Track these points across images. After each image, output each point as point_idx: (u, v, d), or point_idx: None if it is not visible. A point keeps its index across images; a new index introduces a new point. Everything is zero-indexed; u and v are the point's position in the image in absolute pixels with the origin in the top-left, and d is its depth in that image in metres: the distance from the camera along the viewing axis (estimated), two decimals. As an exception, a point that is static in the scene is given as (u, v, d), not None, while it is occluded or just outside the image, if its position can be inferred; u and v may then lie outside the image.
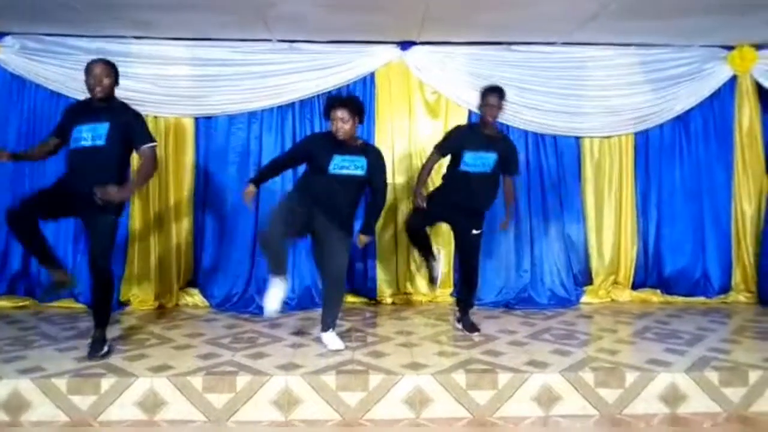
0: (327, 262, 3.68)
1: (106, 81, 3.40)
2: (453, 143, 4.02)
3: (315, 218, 3.56)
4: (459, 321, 4.20)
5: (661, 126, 5.21)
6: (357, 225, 3.79)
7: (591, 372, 3.25)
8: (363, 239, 3.82)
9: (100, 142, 3.38)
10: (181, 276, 5.03)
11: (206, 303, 4.97)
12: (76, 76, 4.74)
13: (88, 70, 3.40)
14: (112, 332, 4.05)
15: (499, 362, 3.43)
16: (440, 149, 4.08)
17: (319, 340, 3.82)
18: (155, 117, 4.94)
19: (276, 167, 3.84)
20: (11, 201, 4.41)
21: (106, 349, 3.51)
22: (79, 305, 4.78)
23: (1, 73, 4.85)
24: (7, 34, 4.78)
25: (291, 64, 4.93)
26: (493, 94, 3.90)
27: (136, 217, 4.92)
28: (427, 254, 4.20)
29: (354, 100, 3.66)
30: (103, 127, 3.39)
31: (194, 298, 5.02)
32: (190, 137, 5.02)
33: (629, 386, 3.20)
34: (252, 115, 5.01)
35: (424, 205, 3.97)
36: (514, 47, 5.04)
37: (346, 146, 3.59)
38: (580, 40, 4.95)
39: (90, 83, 3.38)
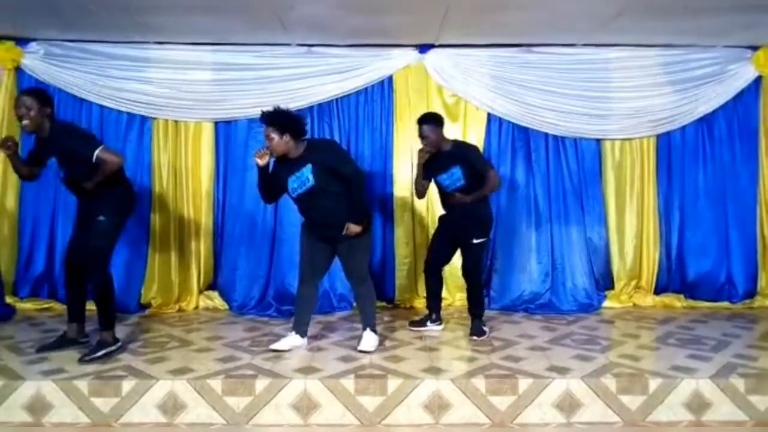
0: (347, 266, 3.74)
1: (31, 114, 3.36)
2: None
3: (328, 237, 3.63)
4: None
5: (683, 128, 5.12)
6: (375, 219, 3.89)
7: (613, 378, 3.20)
8: (349, 228, 3.53)
9: (62, 174, 3.57)
10: (201, 279, 5.07)
11: (226, 306, 4.99)
12: (98, 81, 4.88)
13: (16, 110, 3.43)
14: (133, 335, 4.11)
15: (520, 368, 3.39)
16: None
17: (336, 343, 3.89)
18: (176, 121, 5.00)
19: (263, 190, 3.73)
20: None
21: (102, 352, 3.49)
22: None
23: (26, 78, 4.91)
24: (32, 40, 4.85)
25: (310, 68, 4.94)
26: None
27: (156, 221, 4.97)
28: (434, 308, 4.29)
29: (279, 116, 3.45)
30: (54, 161, 3.52)
31: (214, 301, 5.05)
32: (209, 142, 5.05)
33: (652, 393, 3.15)
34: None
35: None
36: (534, 49, 4.99)
37: (291, 163, 3.51)
38: (602, 41, 4.88)
39: (23, 125, 3.42)
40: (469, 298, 4.17)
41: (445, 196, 4.17)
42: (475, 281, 4.10)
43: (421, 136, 4.01)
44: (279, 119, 3.44)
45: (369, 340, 3.71)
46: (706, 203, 5.11)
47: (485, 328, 4.11)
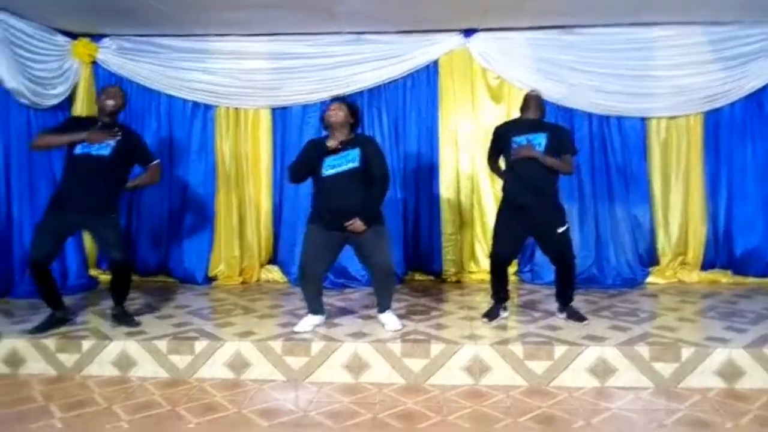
0: (372, 260, 3.71)
1: (119, 102, 3.86)
2: (500, 136, 3.97)
3: (343, 230, 3.59)
4: (562, 311, 4.03)
5: (732, 104, 5.10)
6: (386, 214, 3.80)
7: (647, 346, 3.35)
8: (355, 223, 3.54)
9: (105, 152, 3.72)
10: (262, 254, 5.46)
11: (285, 279, 5.37)
12: (165, 72, 5.26)
13: (106, 92, 3.85)
14: (201, 303, 4.54)
15: (557, 336, 3.59)
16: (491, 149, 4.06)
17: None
18: (236, 109, 5.36)
19: (300, 167, 3.79)
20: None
21: (135, 320, 3.93)
22: (173, 279, 5.34)
23: (100, 71, 5.36)
24: (106, 35, 5.27)
25: (359, 55, 5.18)
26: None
27: (221, 203, 5.38)
28: (499, 300, 4.02)
29: (355, 104, 3.87)
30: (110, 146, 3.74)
31: (274, 274, 5.44)
32: (267, 127, 5.39)
33: (685, 361, 3.28)
34: (323, 104, 5.24)
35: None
36: (577, 30, 5.06)
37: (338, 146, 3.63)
38: (646, 20, 4.91)
39: (108, 104, 3.79)
40: (564, 282, 3.96)
41: (519, 173, 3.82)
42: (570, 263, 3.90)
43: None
44: (354, 106, 3.84)
45: (394, 319, 3.79)
46: (754, 180, 5.10)
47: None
